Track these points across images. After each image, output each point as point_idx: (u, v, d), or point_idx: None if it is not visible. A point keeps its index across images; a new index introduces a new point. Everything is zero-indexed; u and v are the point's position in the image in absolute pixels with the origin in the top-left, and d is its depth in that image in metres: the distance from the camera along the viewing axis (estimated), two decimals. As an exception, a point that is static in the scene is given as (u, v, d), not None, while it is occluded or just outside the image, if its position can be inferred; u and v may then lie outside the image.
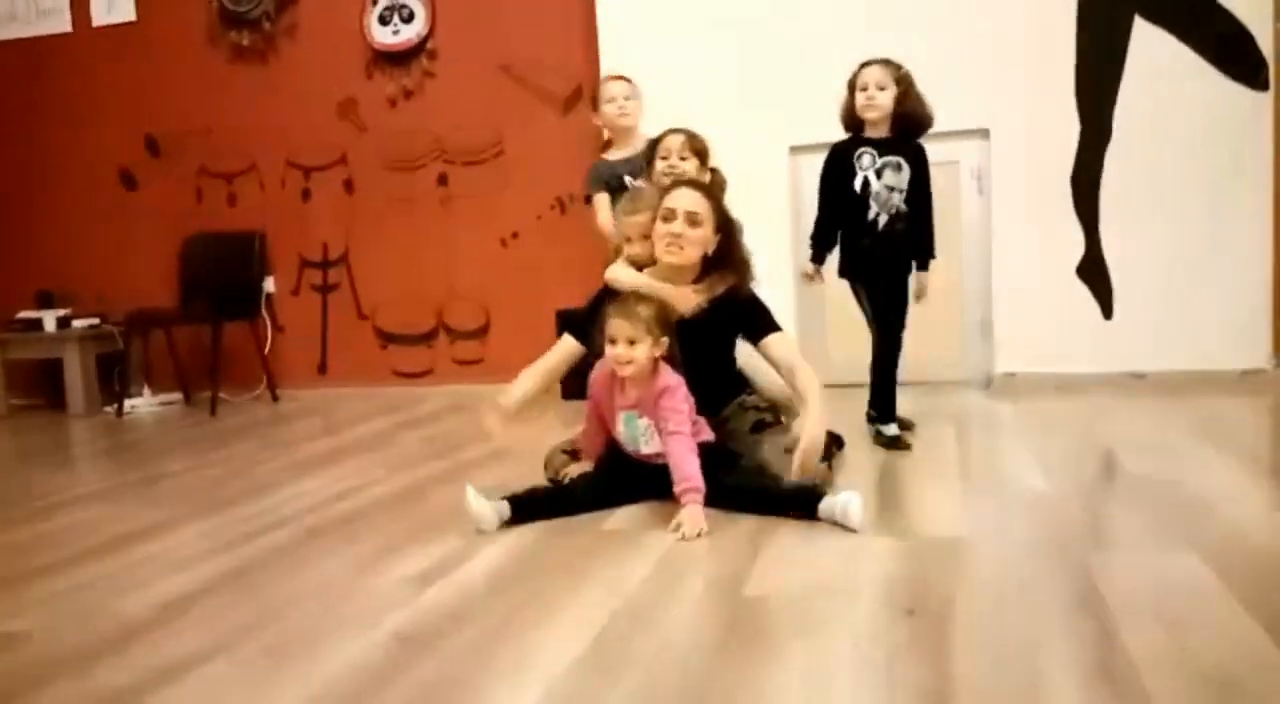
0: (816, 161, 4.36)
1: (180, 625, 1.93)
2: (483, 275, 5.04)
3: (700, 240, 2.66)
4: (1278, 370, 3.99)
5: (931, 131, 4.25)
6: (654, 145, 3.14)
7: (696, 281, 2.72)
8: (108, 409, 5.19)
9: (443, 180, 5.08)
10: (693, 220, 2.63)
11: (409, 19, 4.96)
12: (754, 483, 2.51)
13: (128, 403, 5.11)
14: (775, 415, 2.85)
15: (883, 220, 3.17)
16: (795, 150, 4.30)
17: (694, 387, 2.71)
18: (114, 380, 5.24)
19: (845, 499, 2.32)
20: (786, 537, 2.29)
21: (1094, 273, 4.17)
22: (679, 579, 2.03)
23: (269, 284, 5.37)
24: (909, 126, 3.19)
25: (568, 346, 2.79)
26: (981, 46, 4.18)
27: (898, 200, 3.17)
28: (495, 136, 4.98)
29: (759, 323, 2.70)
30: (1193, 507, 2.37)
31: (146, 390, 5.37)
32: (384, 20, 4.99)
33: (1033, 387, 4.15)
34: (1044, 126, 4.14)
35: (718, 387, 2.80)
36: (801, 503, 2.40)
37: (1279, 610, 1.69)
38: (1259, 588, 1.82)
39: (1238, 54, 3.93)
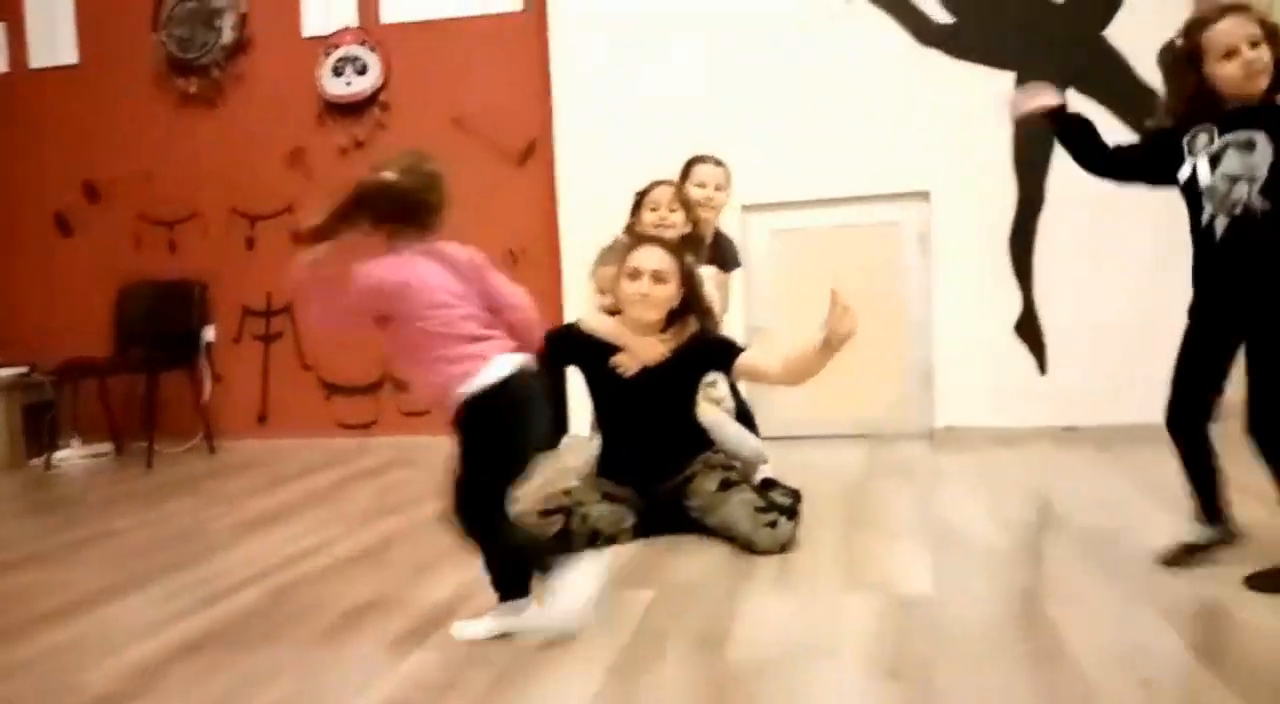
0: (768, 219, 4.55)
1: (154, 698, 1.89)
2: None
3: (666, 298, 2.76)
4: (1203, 425, 4.18)
5: (874, 193, 4.46)
6: (641, 196, 3.21)
7: (662, 331, 2.81)
8: (35, 461, 5.01)
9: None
10: (658, 278, 2.73)
11: (362, 71, 4.97)
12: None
13: (56, 454, 4.94)
14: (742, 474, 2.90)
15: (1220, 225, 2.20)
16: (747, 209, 4.40)
17: (658, 440, 2.83)
18: (42, 431, 5.07)
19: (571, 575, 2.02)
20: (762, 594, 2.33)
21: (1029, 330, 4.34)
22: (662, 640, 2.05)
23: (209, 333, 5.27)
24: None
25: None
26: (923, 113, 4.36)
27: (1243, 193, 2.14)
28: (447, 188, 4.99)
29: (731, 350, 2.80)
30: (1140, 560, 2.46)
31: (76, 441, 5.19)
32: (337, 71, 5.00)
33: (972, 439, 4.27)
34: (983, 190, 4.32)
35: (681, 440, 2.88)
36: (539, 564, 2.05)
37: (1241, 666, 1.78)
38: (1216, 642, 1.92)
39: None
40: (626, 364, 2.80)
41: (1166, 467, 3.64)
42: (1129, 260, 4.21)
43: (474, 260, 2.17)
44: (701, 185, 3.41)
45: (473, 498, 2.05)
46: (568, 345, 2.84)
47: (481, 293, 2.14)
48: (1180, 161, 2.25)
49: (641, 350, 2.78)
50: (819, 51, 4.45)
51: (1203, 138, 2.21)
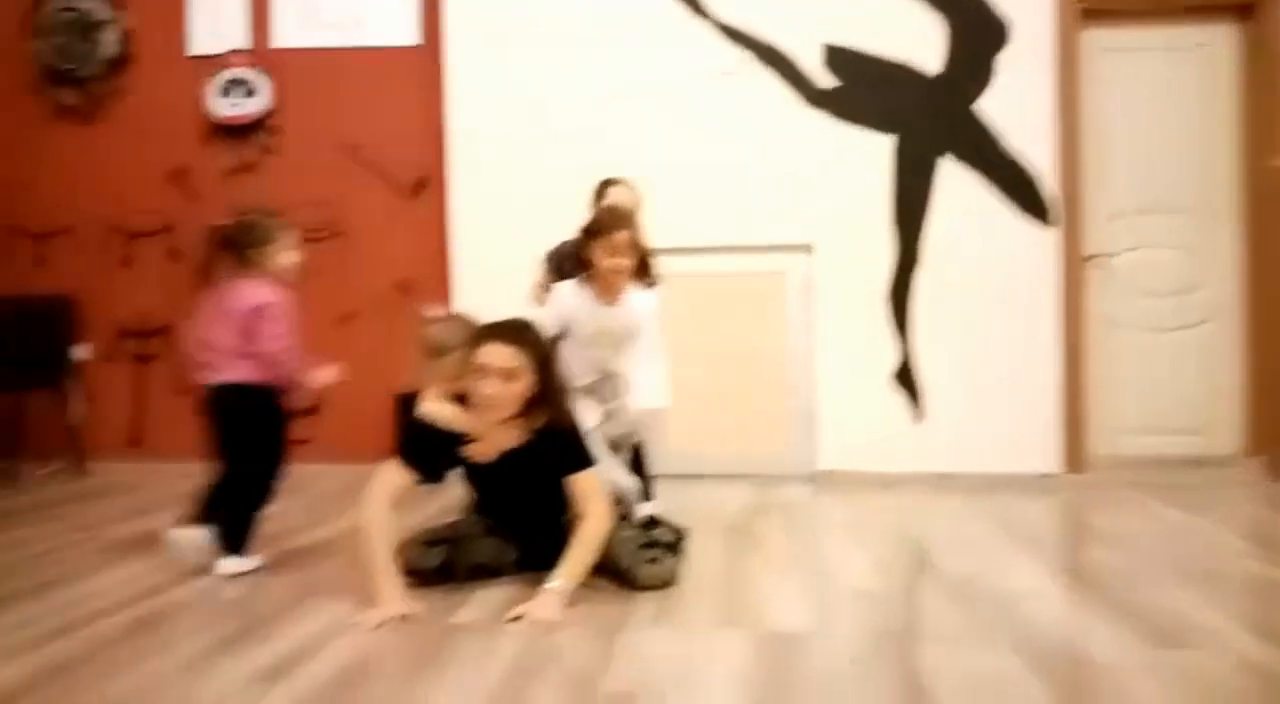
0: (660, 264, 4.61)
1: (1, 729, 1.80)
2: (316, 353, 4.89)
3: (517, 395, 2.59)
4: (1067, 475, 4.41)
5: (761, 244, 4.59)
6: (596, 233, 3.17)
7: (517, 415, 2.65)
8: (-117, 481, 4.70)
9: (278, 256, 4.97)
10: (509, 376, 2.56)
11: (251, 94, 4.89)
12: None
13: (-93, 475, 4.65)
14: (623, 510, 2.92)
15: None
16: (639, 251, 4.47)
17: (529, 510, 2.77)
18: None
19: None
20: (640, 629, 2.36)
21: (907, 380, 4.52)
22: (537, 676, 2.05)
23: (80, 351, 5.04)
24: None
25: (401, 481, 2.65)
26: (809, 170, 4.54)
27: None
28: (335, 216, 4.94)
29: (570, 459, 2.68)
30: (1003, 603, 2.58)
31: (-72, 461, 4.89)
32: (225, 93, 4.90)
33: (851, 483, 4.40)
34: (864, 245, 4.50)
35: (554, 506, 2.75)
36: None
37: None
38: (1073, 683, 2.02)
39: (1028, 194, 4.42)
40: (481, 454, 2.71)
41: (1029, 514, 3.85)
42: (999, 315, 4.44)
43: (244, 308, 2.90)
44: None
45: None
46: (426, 446, 2.69)
47: (241, 330, 2.90)
48: None
49: (495, 439, 2.68)
50: (713, 105, 4.59)
51: None
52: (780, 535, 3.46)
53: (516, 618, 2.39)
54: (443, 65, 4.76)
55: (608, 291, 3.22)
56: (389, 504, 2.60)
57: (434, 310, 3.06)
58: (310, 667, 2.10)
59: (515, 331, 2.62)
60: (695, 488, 4.24)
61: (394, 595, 2.45)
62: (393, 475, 2.64)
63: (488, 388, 2.54)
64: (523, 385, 2.58)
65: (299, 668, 2.09)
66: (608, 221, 3.17)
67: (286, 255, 3.01)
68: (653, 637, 2.32)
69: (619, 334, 3.26)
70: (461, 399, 2.69)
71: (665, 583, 2.71)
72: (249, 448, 2.97)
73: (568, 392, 2.77)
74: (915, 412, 4.51)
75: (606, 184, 3.61)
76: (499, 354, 2.55)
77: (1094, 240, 4.55)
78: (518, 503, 2.78)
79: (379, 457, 4.53)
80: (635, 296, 3.29)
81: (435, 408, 2.71)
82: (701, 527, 3.37)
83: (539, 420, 2.64)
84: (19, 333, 4.93)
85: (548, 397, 2.64)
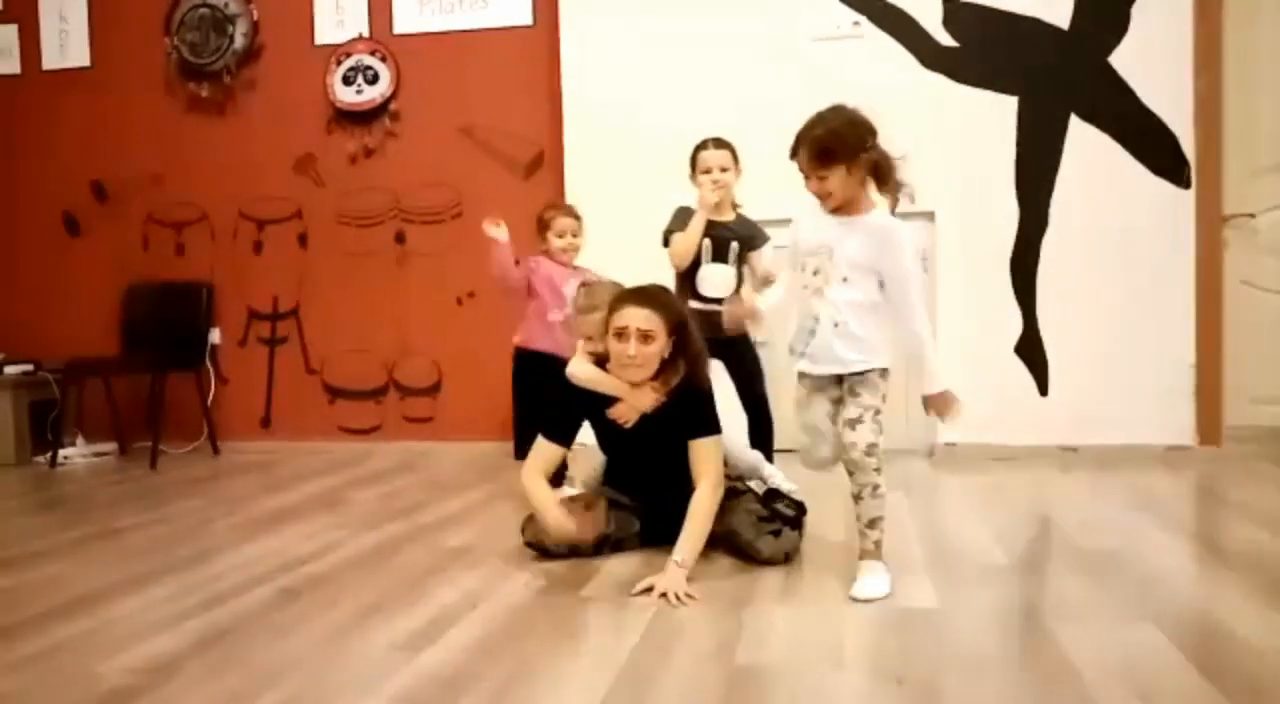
0: (774, 234, 4.58)
1: (169, 691, 1.91)
2: (436, 333, 5.07)
3: (655, 355, 2.66)
4: (1200, 447, 4.23)
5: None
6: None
7: (654, 378, 2.71)
8: (39, 458, 5.04)
9: (400, 238, 5.12)
10: (645, 337, 2.62)
11: (373, 80, 5.02)
12: None
13: (61, 452, 4.96)
14: (744, 485, 2.93)
15: None
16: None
17: (661, 471, 2.78)
18: (46, 429, 5.10)
19: None
20: (769, 604, 2.36)
21: (1031, 351, 4.39)
22: (669, 647, 2.08)
23: (214, 335, 5.30)
24: None
25: (551, 455, 2.76)
26: (928, 134, 4.40)
27: None
28: (455, 197, 5.05)
29: (697, 423, 2.70)
30: (1141, 578, 2.51)
31: (80, 440, 5.22)
32: (347, 80, 5.05)
33: (972, 457, 4.32)
34: (987, 212, 4.38)
35: (684, 468, 2.77)
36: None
37: (1241, 682, 1.82)
38: (1216, 658, 1.95)
39: (1163, 154, 4.22)
40: (624, 415, 2.75)
41: (1160, 487, 3.72)
42: (1129, 282, 4.27)
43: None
44: (707, 171, 3.49)
45: None
46: (573, 405, 2.79)
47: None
48: None
49: (636, 401, 2.73)
50: (827, 71, 4.50)
51: None
52: (900, 511, 3.41)
53: (645, 591, 2.43)
54: (557, 43, 4.80)
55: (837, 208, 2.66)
56: (542, 477, 2.73)
57: (588, 274, 3.32)
58: (448, 637, 2.17)
59: (651, 295, 2.71)
60: (813, 462, 4.21)
61: (561, 516, 2.66)
62: (543, 452, 2.75)
63: (626, 348, 2.63)
64: (659, 346, 2.65)
65: (437, 638, 2.16)
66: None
67: (556, 239, 3.76)
68: (781, 611, 2.32)
69: (854, 258, 2.55)
70: (601, 365, 2.78)
71: (787, 557, 2.71)
72: (529, 406, 3.57)
73: (704, 356, 2.77)
74: (1039, 384, 4.38)
75: (696, 150, 3.54)
76: (636, 316, 2.63)
77: (1234, 199, 4.33)
78: (649, 468, 2.82)
79: (498, 434, 4.71)
80: (882, 216, 2.65)
81: (583, 369, 2.80)
82: (821, 501, 3.35)
83: (674, 380, 2.70)
84: (160, 317, 5.22)
85: (683, 359, 2.71)
